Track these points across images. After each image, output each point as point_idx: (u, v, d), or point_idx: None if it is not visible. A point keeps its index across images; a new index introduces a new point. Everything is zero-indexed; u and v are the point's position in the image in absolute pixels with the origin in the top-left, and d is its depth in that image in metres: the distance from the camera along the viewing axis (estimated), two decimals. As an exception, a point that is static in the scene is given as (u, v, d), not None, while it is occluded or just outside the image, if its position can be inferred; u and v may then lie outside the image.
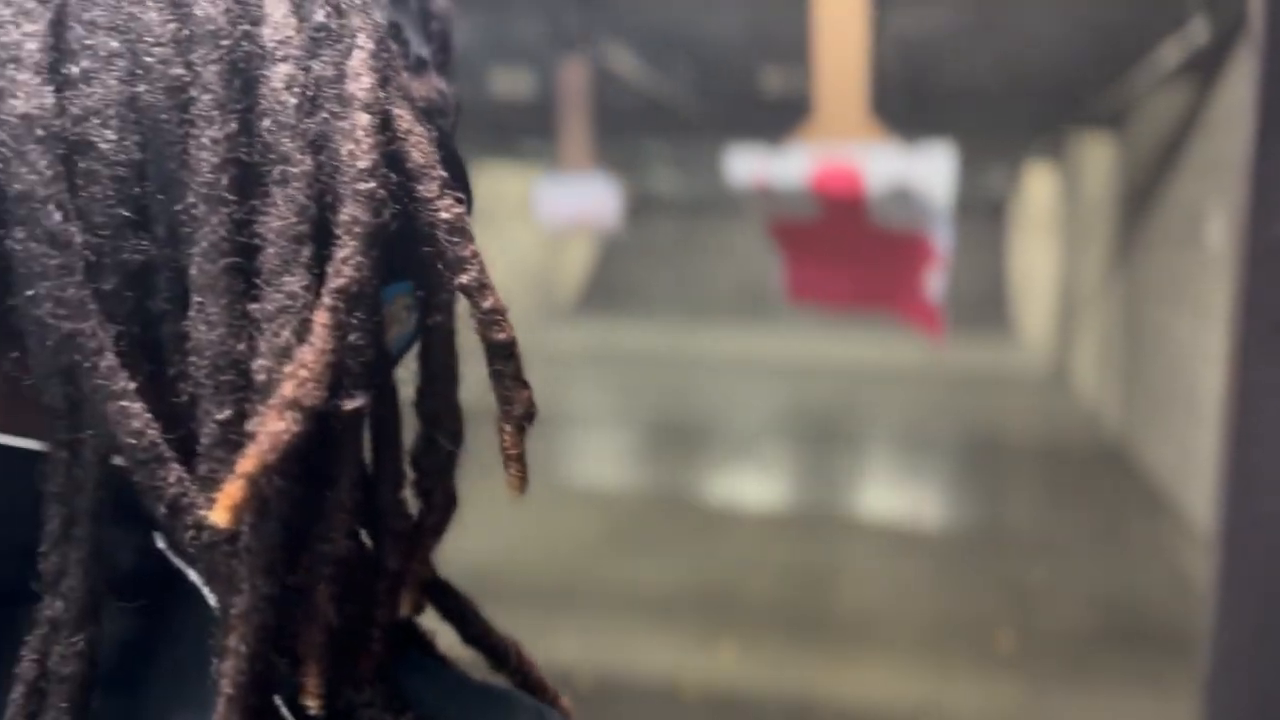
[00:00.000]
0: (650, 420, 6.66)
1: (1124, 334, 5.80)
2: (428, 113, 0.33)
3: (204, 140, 0.28)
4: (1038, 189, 9.27)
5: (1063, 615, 3.40)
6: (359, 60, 0.30)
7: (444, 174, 0.31)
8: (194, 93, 0.29)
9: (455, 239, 0.30)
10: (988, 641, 3.17)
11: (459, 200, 0.31)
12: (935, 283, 2.86)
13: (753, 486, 5.26)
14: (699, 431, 6.29)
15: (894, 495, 5.19)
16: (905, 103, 5.20)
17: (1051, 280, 8.49)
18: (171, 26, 0.29)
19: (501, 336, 0.31)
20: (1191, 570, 3.78)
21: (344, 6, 0.31)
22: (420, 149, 0.31)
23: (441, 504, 0.33)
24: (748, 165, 2.87)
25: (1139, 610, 3.44)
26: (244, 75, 0.29)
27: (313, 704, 0.29)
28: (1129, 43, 4.12)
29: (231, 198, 0.28)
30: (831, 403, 7.21)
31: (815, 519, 4.67)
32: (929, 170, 2.63)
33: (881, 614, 3.41)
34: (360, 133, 0.29)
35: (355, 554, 0.31)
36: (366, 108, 0.30)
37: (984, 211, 11.57)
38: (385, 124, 0.30)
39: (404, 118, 0.31)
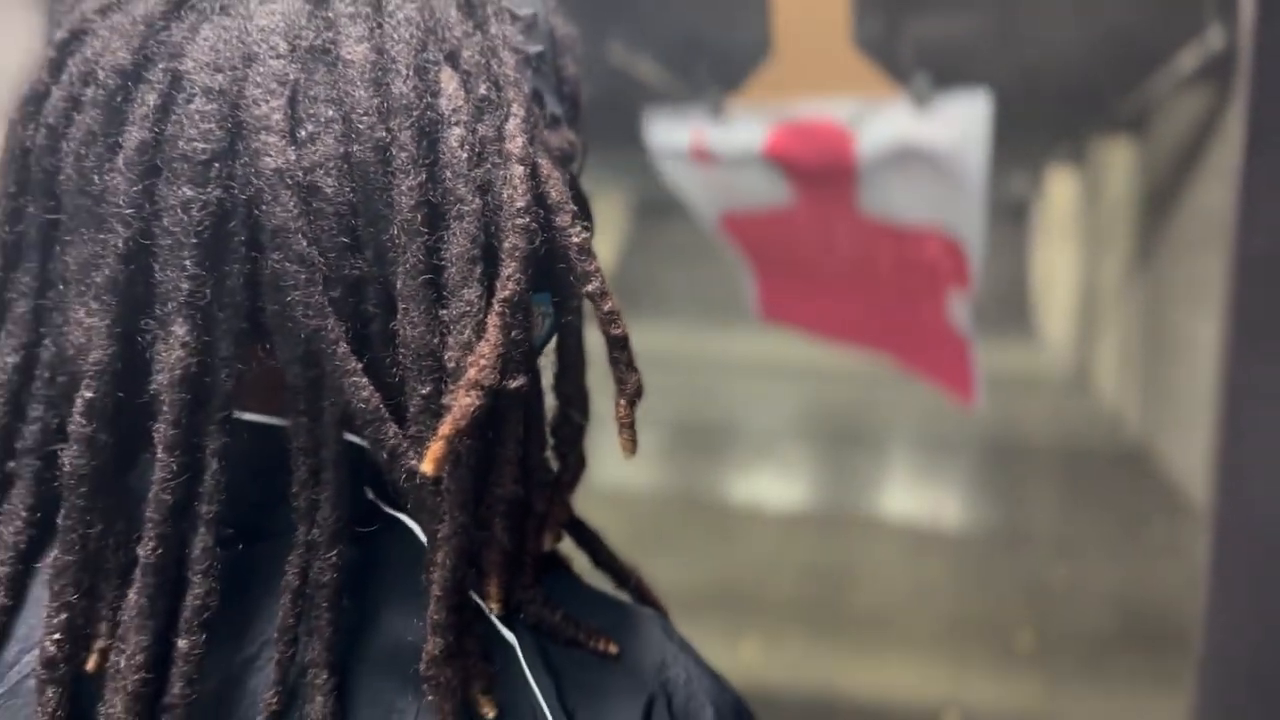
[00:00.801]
0: (671, 421, 6.72)
1: (1145, 337, 5.81)
2: (561, 159, 0.43)
3: (403, 187, 0.37)
4: (1060, 192, 9.26)
5: (1081, 615, 3.43)
6: (513, 124, 0.39)
7: (574, 207, 0.40)
8: (393, 150, 0.38)
9: (583, 257, 0.39)
10: (1006, 640, 3.20)
11: (585, 227, 0.40)
12: (962, 311, 1.97)
13: (773, 487, 5.30)
14: (720, 432, 6.34)
15: (914, 496, 5.21)
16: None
17: (1073, 283, 8.48)
18: (375, 100, 0.38)
19: (618, 332, 0.40)
20: (1211, 572, 3.79)
21: (501, 81, 0.40)
22: (557, 189, 0.40)
23: (574, 464, 0.43)
24: (676, 133, 2.03)
25: (1157, 611, 3.46)
26: (429, 136, 0.38)
27: (495, 605, 0.39)
28: (1147, 49, 4.14)
29: (424, 230, 0.37)
30: (851, 404, 7.24)
31: (836, 519, 4.70)
32: (953, 131, 1.75)
33: (901, 612, 3.45)
34: (517, 180, 0.38)
35: (518, 497, 0.40)
36: (520, 161, 0.39)
37: (1007, 214, 11.56)
38: (534, 173, 0.39)
39: (545, 166, 0.40)
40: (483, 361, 0.36)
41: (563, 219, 0.39)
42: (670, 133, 2.05)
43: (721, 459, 5.81)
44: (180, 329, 0.37)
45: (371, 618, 0.40)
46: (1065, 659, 3.10)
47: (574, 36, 0.49)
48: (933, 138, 1.77)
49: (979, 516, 4.93)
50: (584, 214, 0.43)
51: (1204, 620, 0.71)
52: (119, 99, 0.38)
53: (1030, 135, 7.39)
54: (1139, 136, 5.96)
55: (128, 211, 0.37)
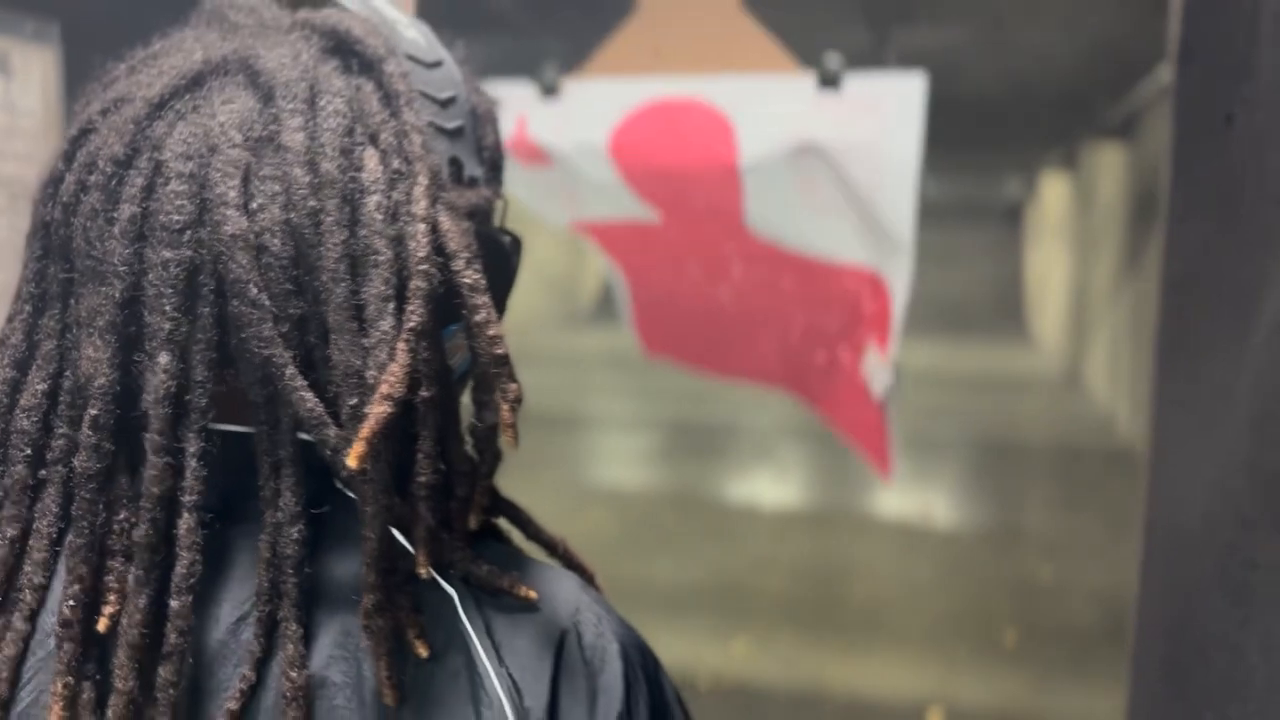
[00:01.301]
0: (667, 421, 6.77)
1: (1136, 337, 5.88)
2: (471, 214, 0.54)
3: (330, 244, 0.48)
4: (1052, 195, 9.33)
5: (1070, 613, 3.49)
6: (419, 190, 0.50)
7: (470, 254, 0.51)
8: (323, 216, 0.49)
9: (472, 294, 0.50)
10: (995, 637, 3.26)
11: (476, 270, 0.50)
12: (880, 375, 1.54)
13: (768, 486, 5.36)
14: (715, 432, 6.40)
15: (906, 495, 5.28)
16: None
17: (1065, 284, 8.55)
18: (308, 177, 0.49)
19: (499, 352, 0.50)
20: (1196, 571, 3.85)
21: (411, 156, 0.51)
22: (455, 240, 0.50)
23: (490, 457, 0.52)
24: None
25: (1143, 609, 3.51)
26: (351, 203, 0.49)
27: (422, 571, 0.49)
28: (1134, 57, 4.21)
29: (347, 276, 0.48)
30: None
31: (828, 518, 4.77)
32: (872, 121, 1.32)
33: (891, 611, 3.51)
34: (420, 235, 0.49)
35: (440, 484, 0.50)
36: (423, 220, 0.49)
37: (1001, 217, 11.62)
38: (434, 228, 0.50)
39: (446, 222, 0.51)
40: (392, 379, 0.47)
41: (458, 264, 0.50)
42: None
43: (717, 459, 5.86)
44: (164, 359, 0.48)
45: (329, 579, 0.50)
46: (1051, 656, 3.16)
47: (493, 109, 0.60)
48: (844, 129, 1.33)
49: (970, 516, 5.00)
50: (497, 256, 0.56)
51: (1135, 621, 0.78)
52: (114, 182, 0.50)
53: (1023, 140, 7.47)
54: (1128, 141, 6.03)
55: (122, 269, 0.49)
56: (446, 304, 0.50)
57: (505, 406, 0.49)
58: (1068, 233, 8.57)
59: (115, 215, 0.49)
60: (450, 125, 0.56)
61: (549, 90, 1.49)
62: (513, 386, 0.50)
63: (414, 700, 0.48)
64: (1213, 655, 0.65)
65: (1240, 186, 0.65)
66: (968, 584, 3.80)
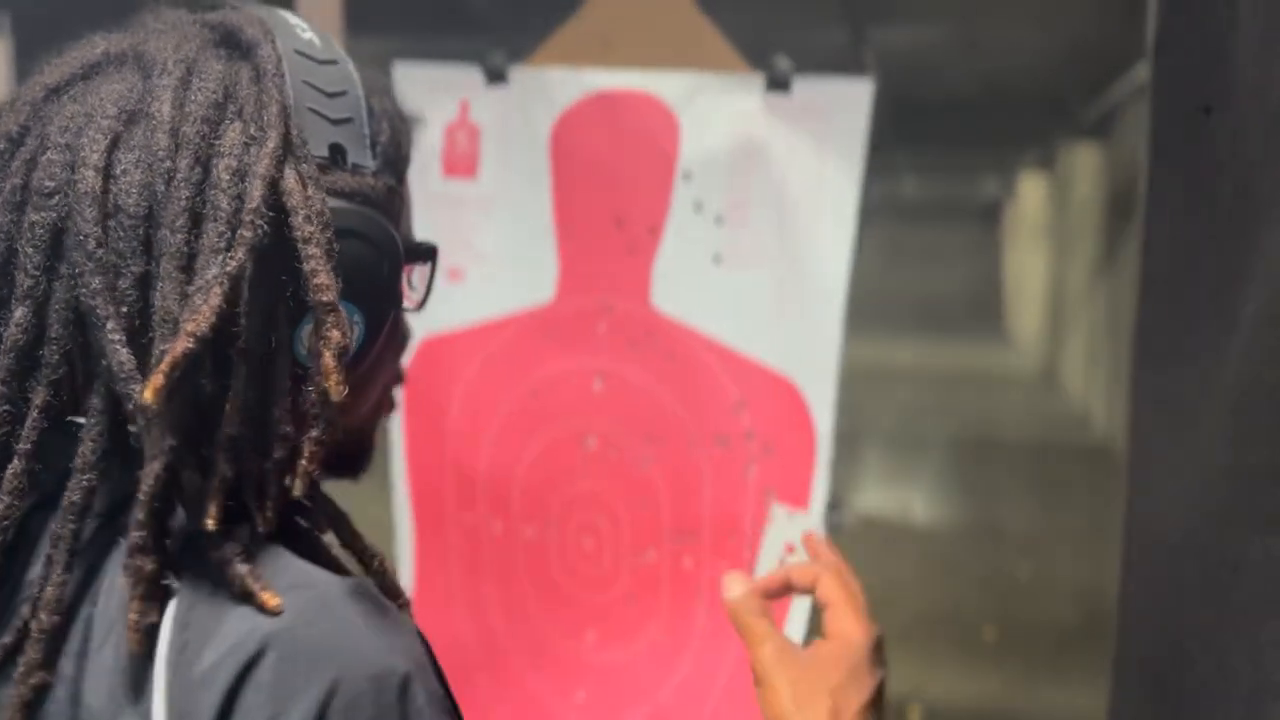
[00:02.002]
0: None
1: (1112, 336, 5.90)
2: (352, 195, 0.58)
3: (176, 199, 0.52)
4: (1029, 195, 9.37)
5: (1049, 610, 3.50)
6: (265, 150, 0.53)
7: (313, 214, 0.53)
8: (175, 175, 0.52)
9: (305, 246, 0.52)
10: (974, 634, 3.26)
11: (319, 227, 0.53)
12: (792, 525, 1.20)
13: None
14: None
15: (885, 493, 5.28)
16: (892, 114, 5.30)
17: (1042, 283, 8.59)
18: (169, 141, 0.53)
19: (324, 299, 0.52)
20: (1173, 567, 3.87)
21: (265, 124, 0.54)
22: (297, 200, 0.53)
23: (324, 425, 0.53)
24: (439, 100, 1.41)
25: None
26: (205, 164, 0.53)
27: (211, 524, 0.51)
28: (1112, 54, 4.22)
29: (184, 229, 0.52)
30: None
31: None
32: (821, 126, 1.28)
33: (870, 608, 3.50)
34: (256, 191, 0.52)
35: (252, 442, 0.52)
36: (263, 178, 0.53)
37: (978, 217, 11.66)
38: (275, 187, 0.53)
39: (290, 183, 0.53)
40: (198, 316, 0.50)
41: (295, 219, 0.53)
42: (428, 95, 1.41)
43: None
44: (19, 312, 0.52)
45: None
46: (1028, 653, 3.17)
47: (402, 116, 0.64)
48: (788, 132, 1.28)
49: (949, 513, 5.01)
50: (378, 241, 0.59)
51: (1116, 622, 0.77)
52: (6, 157, 0.55)
53: (1000, 140, 7.48)
54: (1104, 140, 6.06)
55: (2, 234, 0.54)
56: (351, 286, 0.55)
57: (327, 354, 0.52)
58: (1044, 232, 8.61)
59: (3, 187, 0.54)
60: (334, 115, 0.59)
61: (494, 76, 1.45)
62: (335, 334, 0.52)
63: (67, 692, 0.50)
64: (1196, 658, 0.64)
65: (1218, 179, 0.64)
66: (946, 581, 3.81)
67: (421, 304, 0.70)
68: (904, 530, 4.52)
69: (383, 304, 0.59)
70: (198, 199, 0.52)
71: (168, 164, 0.53)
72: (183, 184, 0.52)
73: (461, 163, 1.42)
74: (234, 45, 0.58)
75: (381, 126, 0.63)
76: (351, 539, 0.60)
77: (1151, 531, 0.72)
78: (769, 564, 1.17)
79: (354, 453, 0.69)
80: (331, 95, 0.59)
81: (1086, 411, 6.76)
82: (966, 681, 3.00)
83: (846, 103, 1.33)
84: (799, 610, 1.25)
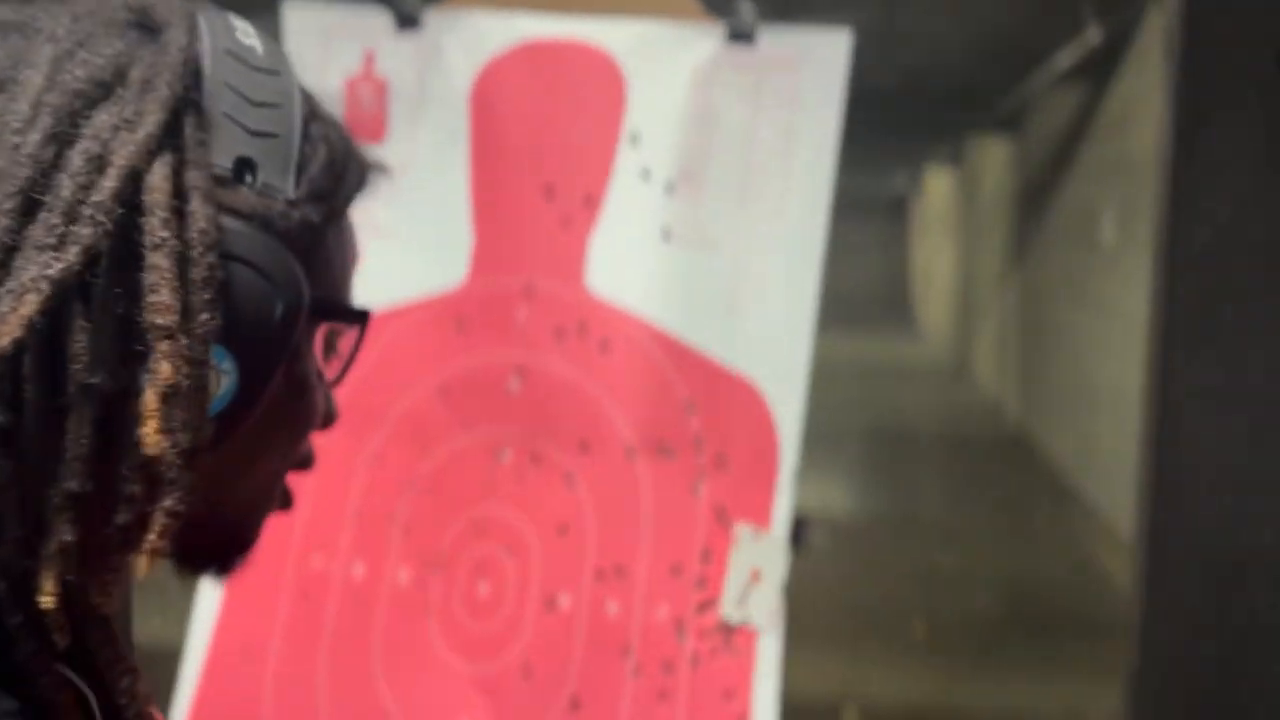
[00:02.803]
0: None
1: (1022, 329, 5.99)
2: (248, 216, 0.49)
3: (11, 178, 0.44)
4: (938, 189, 9.50)
5: (973, 601, 3.49)
6: (132, 138, 0.46)
7: (169, 214, 0.45)
8: (21, 152, 0.45)
9: (152, 254, 0.44)
10: (903, 628, 3.23)
11: (170, 234, 0.46)
12: (761, 551, 1.02)
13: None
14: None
15: (805, 487, 5.26)
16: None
17: (952, 277, 8.72)
18: (28, 112, 0.46)
19: (160, 321, 0.44)
20: (1094, 556, 3.92)
21: (144, 110, 0.47)
22: (155, 200, 0.45)
23: (162, 482, 0.45)
24: (340, 49, 1.20)
25: (1045, 596, 3.55)
26: (60, 143, 0.45)
27: (47, 598, 0.42)
28: (1026, 47, 4.25)
29: (12, 216, 0.44)
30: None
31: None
32: (792, 83, 1.12)
33: (797, 606, 3.45)
34: (108, 181, 0.45)
35: (94, 501, 0.43)
36: (118, 170, 0.45)
37: (887, 210, 11.83)
38: (134, 179, 0.45)
39: (156, 180, 0.46)
40: (2, 326, 0.42)
41: (150, 221, 0.45)
42: (326, 42, 1.19)
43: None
44: None
45: None
46: (958, 647, 3.15)
47: (348, 150, 0.56)
48: (754, 89, 1.09)
49: (869, 506, 5.01)
50: (273, 274, 0.50)
51: (1137, 635, 0.69)
52: None
53: (910, 134, 7.57)
54: (1014, 135, 6.15)
55: None
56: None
57: (150, 391, 0.44)
58: (953, 226, 8.74)
59: None
60: (254, 126, 0.52)
61: (406, 20, 1.19)
62: (164, 368, 0.44)
63: None
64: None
65: None
66: (871, 575, 3.78)
67: (338, 379, 0.56)
68: (826, 525, 4.51)
69: (266, 354, 0.49)
70: (40, 182, 0.44)
71: (16, 138, 0.45)
72: (26, 161, 0.45)
73: (365, 123, 1.15)
74: (146, 28, 0.51)
75: (317, 152, 0.54)
76: (101, 645, 0.47)
77: (1179, 532, 0.64)
78: (736, 592, 0.94)
79: (223, 544, 0.55)
80: (257, 104, 0.52)
81: (998, 402, 6.89)
82: (901, 677, 2.96)
83: (820, 56, 1.10)
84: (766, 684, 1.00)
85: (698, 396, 1.02)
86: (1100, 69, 4.21)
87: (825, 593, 3.56)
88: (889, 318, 10.76)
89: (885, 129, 7.11)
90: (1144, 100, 3.80)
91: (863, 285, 11.91)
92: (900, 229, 11.83)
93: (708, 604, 0.97)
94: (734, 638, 0.96)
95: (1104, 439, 4.25)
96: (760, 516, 0.98)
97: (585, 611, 0.99)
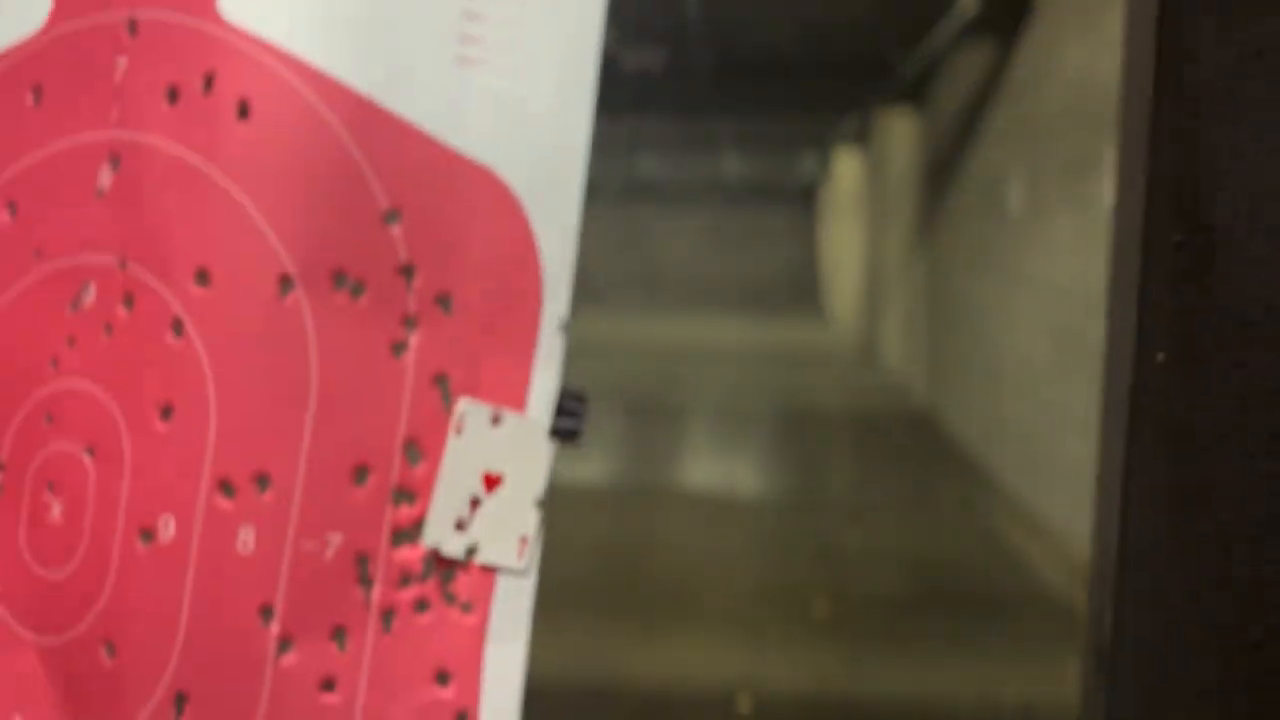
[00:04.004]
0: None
1: (929, 306, 5.88)
2: None
3: None
4: (845, 172, 9.42)
5: (878, 580, 3.32)
6: None
7: None
8: None
9: None
10: (805, 609, 3.04)
11: None
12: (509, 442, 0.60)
13: (568, 463, 5.03)
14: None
15: (711, 467, 5.07)
16: (708, 76, 5.08)
17: (860, 260, 8.64)
18: None
19: None
20: (1002, 533, 3.78)
21: None
22: None
23: None
24: None
25: (952, 573, 3.39)
26: None
27: None
28: (926, 3, 4.10)
29: None
30: (648, 380, 7.08)
31: (631, 493, 4.48)
32: None
33: (696, 588, 3.24)
34: None
35: None
36: None
37: (794, 198, 11.75)
38: None
39: None
40: None
41: None
42: None
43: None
44: None
45: None
46: (863, 625, 2.97)
47: None
48: None
49: (774, 485, 4.83)
50: None
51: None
52: None
53: (816, 111, 7.44)
54: (920, 107, 6.03)
55: None
56: None
57: None
58: (861, 209, 8.66)
59: None
60: None
61: None
62: None
63: None
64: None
65: None
66: (775, 555, 3.58)
67: None
68: (730, 505, 4.31)
69: None
70: None
71: None
72: None
73: None
74: None
75: None
76: None
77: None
78: (455, 509, 0.59)
79: None
80: None
81: (905, 384, 6.80)
82: (799, 660, 2.76)
83: None
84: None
85: (405, 197, 0.61)
86: (1004, 30, 4.08)
87: (728, 573, 3.36)
88: (797, 305, 10.69)
89: (788, 105, 6.96)
90: (1054, 58, 3.67)
91: (770, 273, 11.82)
92: (808, 216, 11.78)
93: (409, 529, 0.58)
94: (453, 584, 0.58)
95: (1010, 413, 4.13)
96: (505, 391, 0.61)
97: (200, 546, 0.60)
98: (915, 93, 5.80)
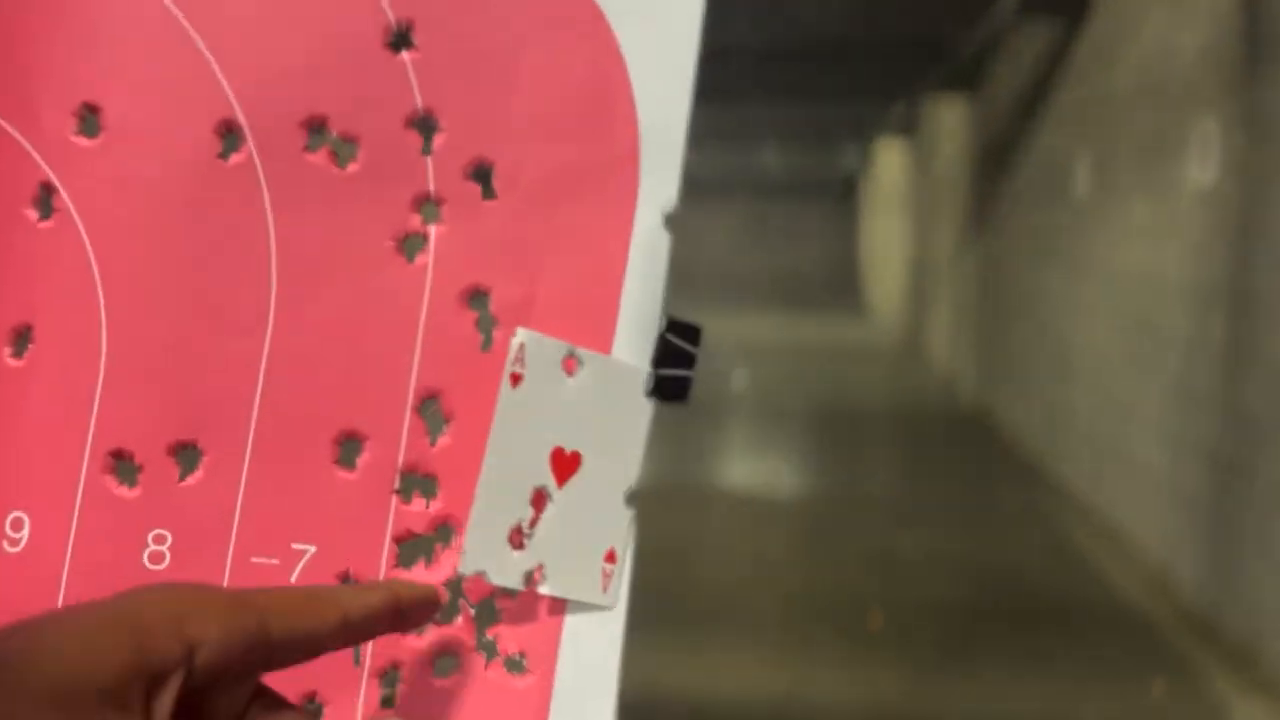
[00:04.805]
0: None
1: (982, 297, 5.64)
2: None
3: None
4: (889, 165, 9.18)
5: (936, 589, 3.10)
6: None
7: None
8: None
9: None
10: (858, 619, 2.83)
11: None
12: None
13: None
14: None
15: (752, 465, 4.87)
16: (749, 62, 4.88)
17: (904, 253, 8.40)
18: None
19: None
20: (1068, 537, 3.55)
21: None
22: None
23: None
24: None
25: (1016, 582, 3.17)
26: None
27: None
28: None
29: None
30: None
31: (670, 494, 4.29)
32: None
33: (741, 593, 3.04)
34: None
35: None
36: None
37: (834, 190, 11.52)
38: None
39: None
40: None
41: None
42: None
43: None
44: None
45: None
46: (921, 638, 2.75)
47: None
48: None
49: (819, 486, 4.63)
50: None
51: None
52: None
53: (860, 104, 7.20)
54: (974, 91, 5.79)
55: None
56: None
57: None
58: (906, 201, 8.42)
59: None
60: None
61: None
62: None
63: None
64: None
65: None
66: (824, 560, 3.37)
67: None
68: (772, 507, 4.11)
69: None
70: None
71: None
72: None
73: None
74: None
75: None
76: None
77: None
78: (501, 506, 0.35)
79: None
80: None
81: (952, 381, 6.56)
82: (853, 676, 2.56)
83: None
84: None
85: (422, 2, 0.37)
86: (1071, 5, 3.84)
87: (775, 578, 3.16)
88: (838, 301, 10.46)
89: (831, 94, 6.73)
90: (1127, 32, 3.43)
91: (810, 269, 11.59)
92: (848, 211, 11.55)
93: (424, 539, 0.37)
94: (497, 628, 0.36)
95: (1075, 411, 3.89)
96: (580, 318, 0.37)
97: (72, 566, 0.37)
98: (968, 77, 5.56)
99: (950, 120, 6.43)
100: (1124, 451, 3.35)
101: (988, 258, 5.50)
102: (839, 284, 10.90)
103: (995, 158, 5.27)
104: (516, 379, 0.35)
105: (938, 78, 5.76)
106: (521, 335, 0.36)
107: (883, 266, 9.65)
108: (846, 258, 11.47)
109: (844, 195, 11.46)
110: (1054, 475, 4.09)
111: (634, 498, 0.38)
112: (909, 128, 7.81)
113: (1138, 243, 3.30)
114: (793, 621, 2.84)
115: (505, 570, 0.35)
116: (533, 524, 0.37)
